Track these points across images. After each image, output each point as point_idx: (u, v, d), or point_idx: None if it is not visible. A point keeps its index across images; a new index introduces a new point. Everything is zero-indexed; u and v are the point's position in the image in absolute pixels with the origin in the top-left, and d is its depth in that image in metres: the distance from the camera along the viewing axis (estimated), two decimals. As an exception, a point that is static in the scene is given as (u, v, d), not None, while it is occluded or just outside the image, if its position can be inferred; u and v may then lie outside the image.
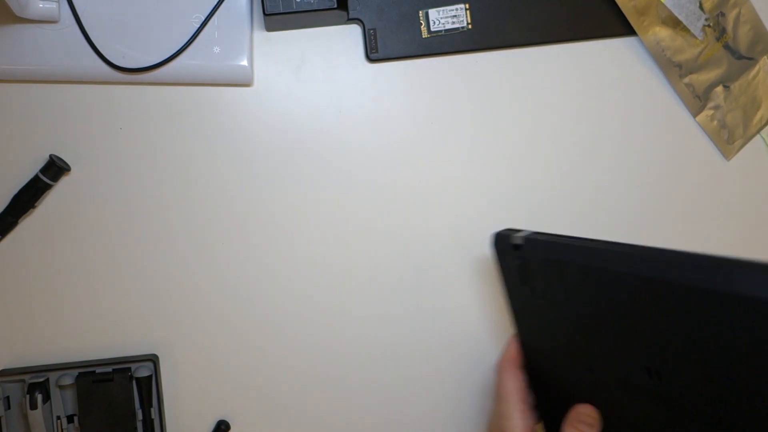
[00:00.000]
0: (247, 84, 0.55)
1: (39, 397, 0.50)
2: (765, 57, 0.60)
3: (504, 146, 0.57)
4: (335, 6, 0.52)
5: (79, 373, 0.52)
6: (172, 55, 0.52)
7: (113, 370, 0.52)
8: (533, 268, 0.42)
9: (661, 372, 0.36)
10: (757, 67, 0.59)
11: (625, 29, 0.58)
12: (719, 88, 0.59)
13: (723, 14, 0.59)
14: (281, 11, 0.52)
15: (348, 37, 0.56)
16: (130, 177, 0.54)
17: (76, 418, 0.52)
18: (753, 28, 0.59)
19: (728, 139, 0.59)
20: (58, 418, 0.52)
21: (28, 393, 0.50)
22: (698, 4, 0.57)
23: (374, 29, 0.55)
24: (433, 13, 0.56)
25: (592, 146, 0.58)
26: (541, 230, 0.42)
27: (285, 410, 0.55)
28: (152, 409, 0.53)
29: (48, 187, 0.52)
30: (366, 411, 0.57)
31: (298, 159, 0.55)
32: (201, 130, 0.55)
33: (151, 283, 0.54)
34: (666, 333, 0.34)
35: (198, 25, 0.52)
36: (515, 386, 0.44)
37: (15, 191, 0.52)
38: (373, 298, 0.56)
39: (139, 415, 0.52)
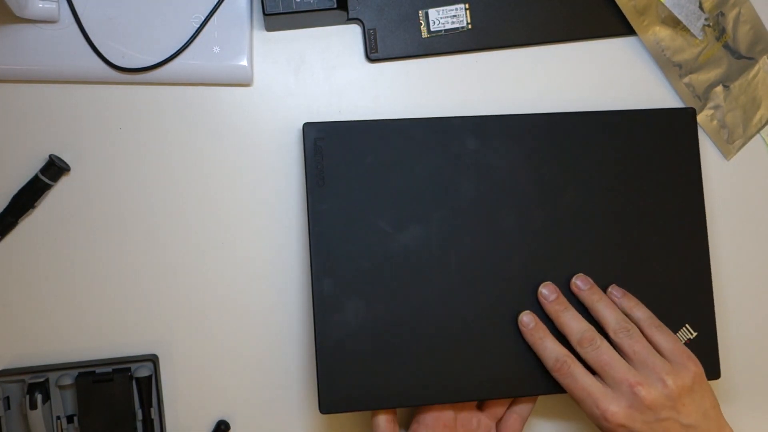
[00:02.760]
0: (246, 84, 0.55)
1: (39, 397, 0.50)
2: (765, 57, 0.60)
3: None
4: (335, 6, 0.52)
5: (79, 373, 0.52)
6: (172, 55, 0.52)
7: (113, 370, 0.52)
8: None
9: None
10: (756, 67, 0.60)
11: (625, 29, 0.58)
12: (719, 88, 0.59)
13: (723, 14, 0.59)
14: (281, 11, 0.52)
15: (348, 37, 0.56)
16: (129, 177, 0.54)
17: (76, 418, 0.52)
18: (753, 28, 0.59)
19: (728, 139, 0.59)
20: (58, 418, 0.52)
21: (28, 393, 0.50)
22: (698, 4, 0.58)
23: (374, 29, 0.55)
24: (433, 13, 0.56)
25: (592, 146, 0.58)
26: None
27: (285, 410, 0.55)
28: (152, 409, 0.53)
29: (48, 187, 0.52)
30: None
31: (298, 159, 0.55)
32: (201, 130, 0.55)
33: (151, 283, 0.54)
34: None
35: (198, 25, 0.52)
36: None
37: (15, 191, 0.52)
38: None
39: (139, 415, 0.52)
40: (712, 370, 0.53)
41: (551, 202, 0.52)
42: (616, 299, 0.51)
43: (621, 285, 0.52)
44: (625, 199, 0.53)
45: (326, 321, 0.49)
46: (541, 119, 0.53)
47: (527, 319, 0.51)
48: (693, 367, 0.48)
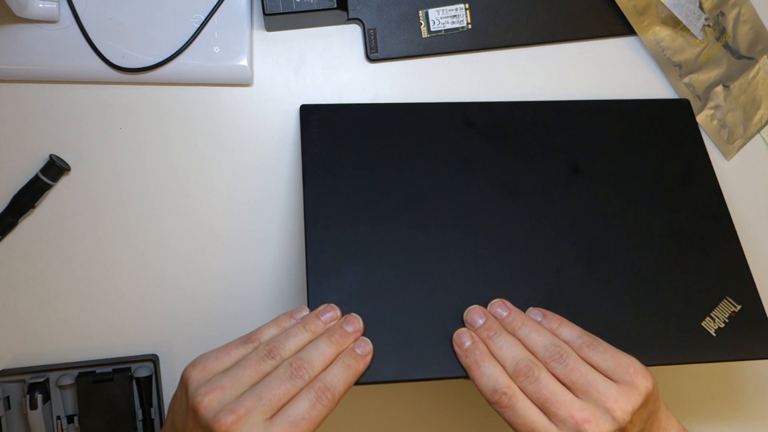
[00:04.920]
0: (246, 84, 0.55)
1: (39, 397, 0.50)
2: (765, 57, 0.60)
3: (504, 146, 0.57)
4: (335, 6, 0.52)
5: (79, 373, 0.52)
6: (172, 55, 0.52)
7: (113, 370, 0.52)
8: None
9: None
10: (756, 67, 0.60)
11: (625, 29, 0.58)
12: (719, 88, 0.59)
13: (723, 14, 0.59)
14: (281, 11, 0.52)
15: (348, 37, 0.56)
16: (129, 177, 0.54)
17: (76, 418, 0.52)
18: (753, 27, 0.59)
19: (728, 139, 0.59)
20: (58, 418, 0.52)
21: (28, 393, 0.50)
22: (698, 4, 0.58)
23: (374, 29, 0.55)
24: (433, 13, 0.56)
25: (592, 146, 0.58)
26: None
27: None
28: (152, 409, 0.53)
29: (48, 187, 0.52)
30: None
31: (298, 158, 0.55)
32: (201, 130, 0.55)
33: (151, 283, 0.54)
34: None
35: (198, 25, 0.52)
36: None
37: (15, 191, 0.52)
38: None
39: (139, 415, 0.52)
40: (766, 347, 0.48)
41: (570, 185, 0.51)
42: (537, 322, 0.44)
43: (646, 264, 0.48)
44: (633, 182, 0.52)
45: (319, 290, 0.45)
46: (541, 107, 0.54)
47: (463, 338, 0.43)
48: (643, 382, 0.41)
